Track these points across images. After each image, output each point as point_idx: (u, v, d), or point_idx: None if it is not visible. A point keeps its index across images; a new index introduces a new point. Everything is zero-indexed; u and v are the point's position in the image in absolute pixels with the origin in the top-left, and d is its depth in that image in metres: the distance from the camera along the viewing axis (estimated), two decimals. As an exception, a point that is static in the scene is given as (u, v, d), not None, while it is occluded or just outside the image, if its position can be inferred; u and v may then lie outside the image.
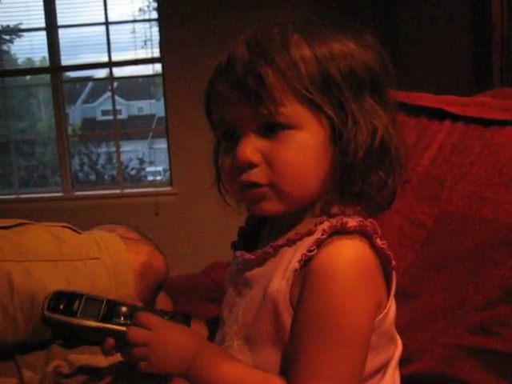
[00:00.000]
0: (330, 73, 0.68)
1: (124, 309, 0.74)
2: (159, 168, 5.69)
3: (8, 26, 4.66)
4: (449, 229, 1.01)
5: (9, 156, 4.72)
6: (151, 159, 6.11)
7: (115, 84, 6.12)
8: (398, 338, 0.82)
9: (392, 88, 0.74)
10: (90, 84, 6.62)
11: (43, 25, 3.84)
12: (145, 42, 4.29)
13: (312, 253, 0.67)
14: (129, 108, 6.96)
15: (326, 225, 0.69)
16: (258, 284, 0.74)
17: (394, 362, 0.79)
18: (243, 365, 0.72)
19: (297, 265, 0.68)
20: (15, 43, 4.90)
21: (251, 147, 0.69)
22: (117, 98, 6.65)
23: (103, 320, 0.72)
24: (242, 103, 0.69)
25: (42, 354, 1.00)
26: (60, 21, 3.85)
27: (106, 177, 5.57)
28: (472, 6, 2.06)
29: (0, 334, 0.95)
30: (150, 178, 5.81)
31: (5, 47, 5.03)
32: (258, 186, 0.70)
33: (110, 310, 0.73)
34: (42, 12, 3.81)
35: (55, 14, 3.83)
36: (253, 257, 0.74)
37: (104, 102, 6.22)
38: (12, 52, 5.11)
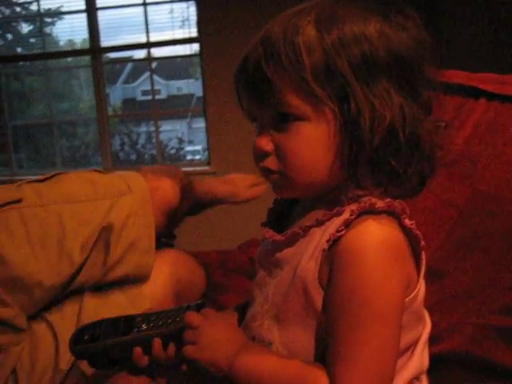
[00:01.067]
0: (335, 62, 0.67)
1: (139, 319, 0.80)
2: (198, 147, 5.75)
3: (50, 9, 4.74)
4: (480, 209, 1.01)
5: (51, 137, 4.83)
6: (190, 138, 6.17)
7: (154, 64, 6.19)
8: (427, 317, 0.83)
9: (427, 71, 0.71)
10: (130, 64, 6.70)
11: (83, 7, 3.90)
12: (183, 21, 4.31)
13: (341, 233, 0.68)
14: (168, 88, 7.02)
15: (354, 205, 0.70)
16: (288, 264, 0.75)
17: (423, 341, 0.80)
18: (283, 358, 0.74)
19: (325, 245, 0.69)
20: (57, 26, 5.00)
21: (266, 137, 0.73)
22: (156, 78, 6.72)
23: (124, 334, 0.78)
24: (254, 97, 0.73)
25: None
26: (99, 2, 3.90)
27: (146, 156, 5.64)
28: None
29: (59, 273, 1.05)
30: (189, 157, 5.87)
31: (47, 30, 5.13)
32: (271, 172, 0.74)
33: (129, 323, 0.79)
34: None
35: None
36: (282, 238, 0.76)
37: (143, 82, 6.29)
38: (54, 34, 5.21)
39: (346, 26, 0.69)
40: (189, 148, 5.98)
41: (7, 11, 5.26)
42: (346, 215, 0.69)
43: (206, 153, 4.12)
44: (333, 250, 0.69)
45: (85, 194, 1.12)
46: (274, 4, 3.49)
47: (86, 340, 0.79)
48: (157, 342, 0.77)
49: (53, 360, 1.03)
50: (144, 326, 0.78)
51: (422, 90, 0.71)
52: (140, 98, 6.90)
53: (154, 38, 4.03)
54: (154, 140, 4.81)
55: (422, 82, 0.71)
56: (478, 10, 2.48)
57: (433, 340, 0.86)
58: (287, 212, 0.85)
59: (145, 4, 3.93)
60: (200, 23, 3.78)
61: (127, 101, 7.24)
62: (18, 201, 1.06)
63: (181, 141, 5.79)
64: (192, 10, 4.04)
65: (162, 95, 7.05)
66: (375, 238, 0.67)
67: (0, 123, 4.25)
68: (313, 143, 0.70)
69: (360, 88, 0.67)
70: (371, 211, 0.68)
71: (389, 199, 0.69)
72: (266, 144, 0.73)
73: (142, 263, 1.13)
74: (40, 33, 4.78)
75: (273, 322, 0.76)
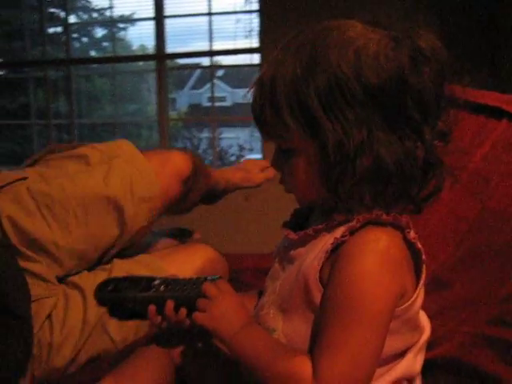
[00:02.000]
0: (304, 95, 0.72)
1: (159, 281, 0.88)
2: (258, 155, 5.82)
3: (123, 15, 4.97)
4: (487, 224, 1.04)
5: (114, 137, 5.04)
6: (251, 146, 6.26)
7: (221, 72, 6.33)
8: (425, 325, 0.87)
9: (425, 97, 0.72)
10: (198, 71, 6.86)
11: (152, 15, 4.08)
12: (249, 32, 4.42)
13: (344, 238, 0.74)
14: (233, 95, 7.15)
15: (362, 215, 0.75)
16: (297, 261, 0.82)
17: (416, 348, 0.84)
18: (280, 342, 0.80)
19: (329, 246, 0.75)
20: (129, 31, 5.24)
21: (276, 161, 0.82)
22: (222, 85, 6.86)
23: (142, 291, 0.87)
24: (260, 127, 0.80)
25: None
26: (168, 11, 4.07)
27: (206, 161, 5.76)
28: None
29: (70, 232, 1.18)
30: (250, 164, 5.94)
31: (120, 35, 5.38)
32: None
33: (149, 283, 0.88)
34: (152, 3, 4.04)
35: (163, 4, 4.04)
36: (296, 237, 0.83)
37: (210, 89, 6.45)
38: (127, 39, 5.46)
39: (319, 53, 0.72)
40: (250, 156, 6.06)
41: (85, 16, 5.56)
42: (353, 223, 0.74)
43: (265, 160, 4.17)
44: (336, 253, 0.75)
45: (79, 168, 1.23)
46: (333, 15, 3.54)
47: (109, 290, 0.90)
48: (169, 304, 0.84)
49: (82, 312, 1.14)
50: (162, 288, 0.86)
51: (412, 115, 0.72)
52: (206, 103, 7.04)
53: (218, 46, 4.15)
54: (216, 146, 4.93)
55: (412, 107, 0.71)
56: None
57: (429, 346, 0.91)
58: (308, 217, 0.91)
59: (210, 14, 4.06)
60: (262, 34, 3.87)
61: (193, 106, 7.41)
62: (24, 178, 1.19)
63: (241, 148, 5.88)
64: (256, 21, 4.14)
65: (227, 102, 7.18)
66: (374, 246, 0.72)
67: (68, 121, 4.49)
68: (303, 175, 0.78)
69: (328, 120, 0.71)
70: (377, 222, 0.74)
71: (395, 213, 0.74)
72: (276, 166, 0.82)
73: (152, 210, 1.25)
74: (112, 37, 5.01)
75: (278, 311, 0.83)
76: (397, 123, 0.72)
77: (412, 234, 0.75)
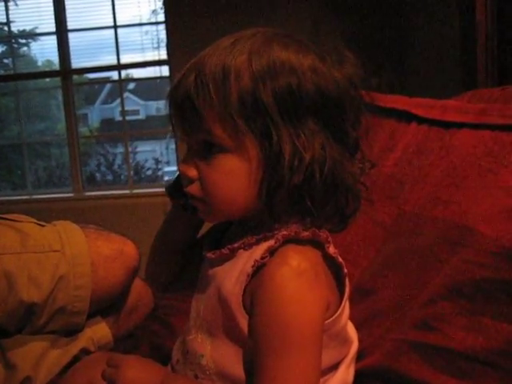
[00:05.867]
0: (260, 93, 0.69)
1: None
2: (175, 168, 5.76)
3: (24, 30, 4.77)
4: (404, 228, 1.05)
5: (23, 158, 4.83)
6: (168, 159, 6.18)
7: (132, 85, 6.21)
8: (354, 336, 0.86)
9: (357, 109, 0.74)
10: (109, 85, 6.72)
11: (54, 29, 3.94)
12: (158, 43, 4.36)
13: (264, 260, 0.71)
14: (146, 108, 7.05)
15: (281, 232, 0.72)
16: (215, 282, 0.78)
17: (348, 360, 0.83)
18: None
19: (250, 270, 0.72)
20: (32, 47, 5.03)
21: (190, 163, 0.75)
22: (135, 98, 6.75)
23: None
24: (182, 123, 0.75)
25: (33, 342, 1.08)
26: (70, 25, 3.94)
27: (122, 177, 5.64)
28: (459, 8, 2.08)
29: None
30: (166, 177, 5.88)
31: (22, 51, 5.16)
32: (195, 198, 0.77)
33: None
34: (53, 16, 3.90)
35: (65, 18, 3.92)
36: (212, 256, 0.79)
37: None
38: (31, 55, 5.24)
39: (277, 55, 0.70)
40: (166, 169, 5.99)
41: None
42: (272, 241, 0.72)
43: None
44: (257, 276, 0.72)
45: (10, 246, 1.06)
46: (242, 28, 3.56)
47: None
48: None
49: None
50: None
51: (349, 131, 0.74)
52: (118, 118, 6.90)
53: (127, 59, 4.07)
54: (130, 161, 4.82)
55: (350, 123, 0.74)
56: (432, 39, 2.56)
57: (358, 356, 0.90)
58: (224, 231, 0.88)
59: (115, 27, 3.97)
60: (169, 46, 3.83)
61: (106, 121, 7.25)
62: None
63: (158, 161, 5.80)
64: (163, 33, 4.09)
65: (141, 115, 7.08)
66: (294, 269, 0.70)
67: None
68: (233, 176, 0.72)
69: (284, 126, 0.69)
70: (295, 240, 0.71)
71: (314, 229, 0.72)
72: (190, 171, 0.75)
73: (71, 323, 1.10)
74: (12, 54, 4.80)
75: (205, 336, 0.80)
76: (341, 139, 0.73)
77: (332, 249, 0.74)
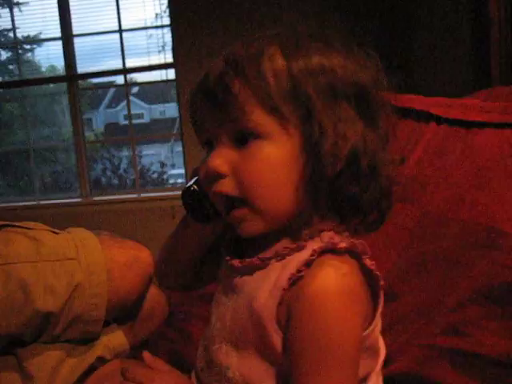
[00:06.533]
0: (300, 85, 0.66)
1: None
2: (181, 171, 5.74)
3: (28, 35, 4.77)
4: (428, 230, 1.03)
5: (30, 163, 4.83)
6: (173, 162, 6.17)
7: (136, 89, 6.20)
8: (382, 347, 0.83)
9: (385, 104, 0.72)
10: (113, 89, 6.72)
11: (59, 34, 3.93)
12: (163, 47, 4.35)
13: (301, 273, 0.67)
14: (150, 111, 7.05)
15: (316, 243, 0.69)
16: (244, 293, 0.74)
17: (378, 369, 0.80)
18: None
19: (285, 284, 0.68)
20: (36, 52, 5.03)
21: (221, 157, 0.69)
22: (138, 101, 6.75)
23: None
24: (214, 112, 0.69)
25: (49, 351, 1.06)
26: (75, 30, 3.94)
27: (127, 181, 5.63)
28: (471, 6, 2.05)
29: None
30: (171, 180, 5.86)
31: (27, 56, 5.16)
32: (236, 206, 0.70)
33: None
34: (58, 22, 3.91)
35: (70, 23, 3.92)
36: (240, 265, 0.74)
37: (126, 107, 6.32)
38: (35, 61, 5.24)
39: (314, 56, 0.68)
40: (172, 172, 5.97)
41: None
42: (307, 252, 0.68)
43: (188, 176, 4.13)
44: (292, 290, 0.68)
45: (26, 254, 1.05)
46: (248, 31, 3.55)
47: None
48: None
49: None
50: None
51: (380, 122, 0.71)
52: (123, 122, 6.90)
53: (132, 63, 4.07)
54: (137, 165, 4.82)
55: (380, 114, 0.71)
56: (443, 37, 2.54)
57: (384, 362, 0.88)
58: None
59: (120, 31, 3.97)
60: (175, 49, 3.82)
61: (110, 125, 7.25)
62: None
63: (163, 164, 5.78)
64: (168, 36, 4.08)
65: (145, 119, 7.07)
66: (335, 282, 0.66)
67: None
68: (274, 163, 0.67)
69: (323, 110, 0.66)
70: (333, 250, 0.67)
71: (351, 240, 0.69)
72: (220, 165, 0.69)
73: (87, 332, 1.09)
74: (17, 60, 4.80)
75: (231, 347, 0.76)
76: (374, 130, 0.70)
77: (369, 261, 0.69)
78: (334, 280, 0.66)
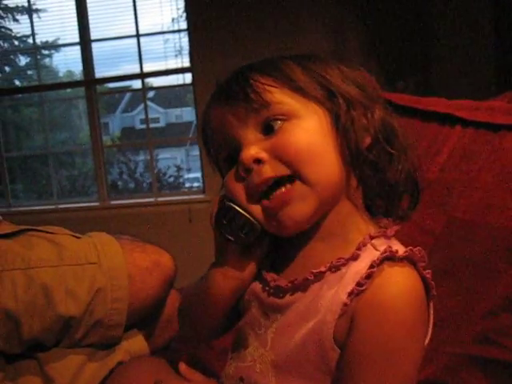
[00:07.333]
0: (320, 75, 0.70)
1: None
2: (197, 174, 5.75)
3: (47, 41, 4.81)
4: (456, 235, 1.01)
5: (48, 168, 4.86)
6: (189, 166, 6.18)
7: (152, 93, 6.23)
8: None
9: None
10: (129, 94, 6.76)
11: (77, 39, 3.96)
12: (179, 51, 4.37)
13: (364, 287, 0.64)
14: (167, 116, 7.08)
15: (369, 250, 0.68)
16: (296, 312, 0.71)
17: None
18: None
19: (346, 298, 0.65)
20: (54, 58, 5.08)
21: (255, 147, 0.68)
22: (154, 106, 6.78)
23: None
24: (235, 112, 0.69)
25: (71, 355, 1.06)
26: (93, 35, 3.96)
27: (144, 185, 5.64)
28: (494, 10, 2.03)
29: (6, 337, 1.00)
30: (187, 184, 5.87)
31: (45, 62, 5.21)
32: (282, 184, 0.67)
33: None
34: (76, 27, 3.93)
35: (88, 28, 3.94)
36: (289, 285, 0.71)
37: (142, 111, 6.34)
38: (53, 66, 5.29)
39: (326, 68, 0.72)
40: (188, 175, 5.98)
41: (6, 44, 5.35)
42: (363, 262, 0.66)
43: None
44: (354, 303, 0.65)
45: (48, 259, 1.04)
46: (263, 37, 3.56)
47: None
48: None
49: None
50: None
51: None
52: (139, 126, 6.93)
53: (149, 67, 4.08)
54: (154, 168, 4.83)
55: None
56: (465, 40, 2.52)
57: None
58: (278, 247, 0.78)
59: (138, 35, 3.98)
60: (192, 53, 3.83)
61: (126, 129, 7.29)
62: None
63: (179, 168, 5.79)
64: (185, 41, 4.09)
65: (161, 123, 7.11)
66: (401, 291, 0.64)
67: (-4, 155, 4.29)
68: (311, 133, 0.67)
69: (344, 88, 0.70)
70: (391, 257, 0.65)
71: (410, 247, 0.67)
72: (259, 152, 0.67)
73: (109, 336, 1.08)
74: (36, 65, 4.84)
75: (269, 367, 0.72)
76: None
77: (424, 269, 0.68)
78: (401, 288, 0.64)
